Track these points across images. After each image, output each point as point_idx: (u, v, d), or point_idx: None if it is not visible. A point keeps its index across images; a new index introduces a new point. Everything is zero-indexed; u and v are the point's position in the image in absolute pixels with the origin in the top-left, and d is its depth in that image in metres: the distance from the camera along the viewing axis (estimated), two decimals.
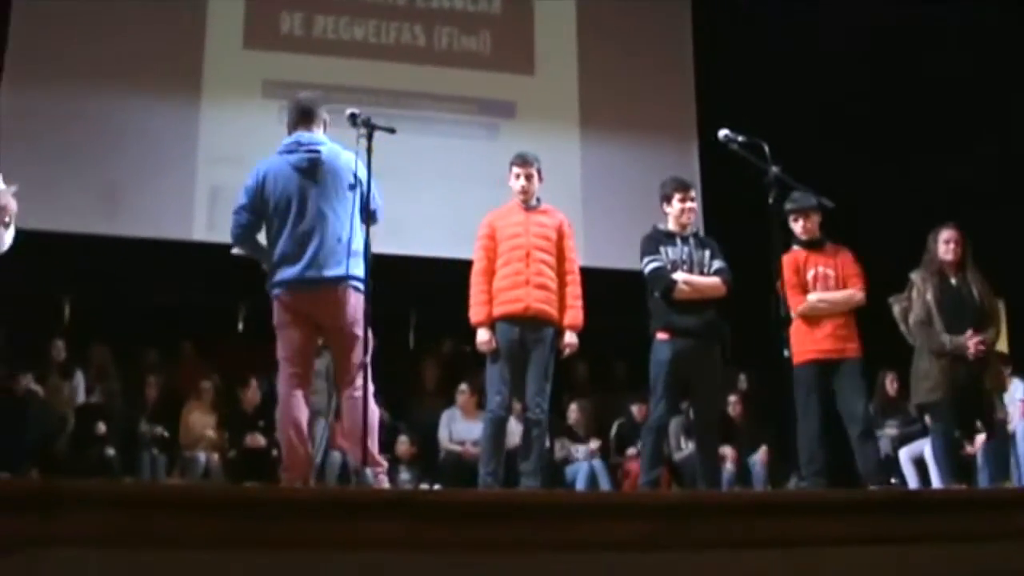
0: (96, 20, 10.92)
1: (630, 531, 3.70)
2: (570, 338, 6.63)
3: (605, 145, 12.02)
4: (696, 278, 6.70)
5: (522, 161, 6.77)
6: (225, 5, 11.48)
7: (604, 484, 9.91)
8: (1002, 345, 7.56)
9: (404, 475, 9.79)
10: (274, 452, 9.16)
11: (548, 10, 12.40)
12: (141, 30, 10.98)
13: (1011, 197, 10.91)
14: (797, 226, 7.11)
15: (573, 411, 10.56)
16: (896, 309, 7.30)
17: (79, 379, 10.27)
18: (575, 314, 6.65)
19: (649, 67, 12.41)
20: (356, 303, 5.52)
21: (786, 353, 6.17)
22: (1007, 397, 7.88)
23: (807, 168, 6.52)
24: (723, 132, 6.37)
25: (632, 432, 10.23)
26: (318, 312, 5.57)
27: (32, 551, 3.12)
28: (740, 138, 6.32)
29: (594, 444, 10.38)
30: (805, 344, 6.86)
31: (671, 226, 6.88)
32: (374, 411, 5.53)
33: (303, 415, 5.58)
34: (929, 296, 7.09)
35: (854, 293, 6.97)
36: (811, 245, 7.10)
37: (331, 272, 5.50)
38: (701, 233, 7.18)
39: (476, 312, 6.64)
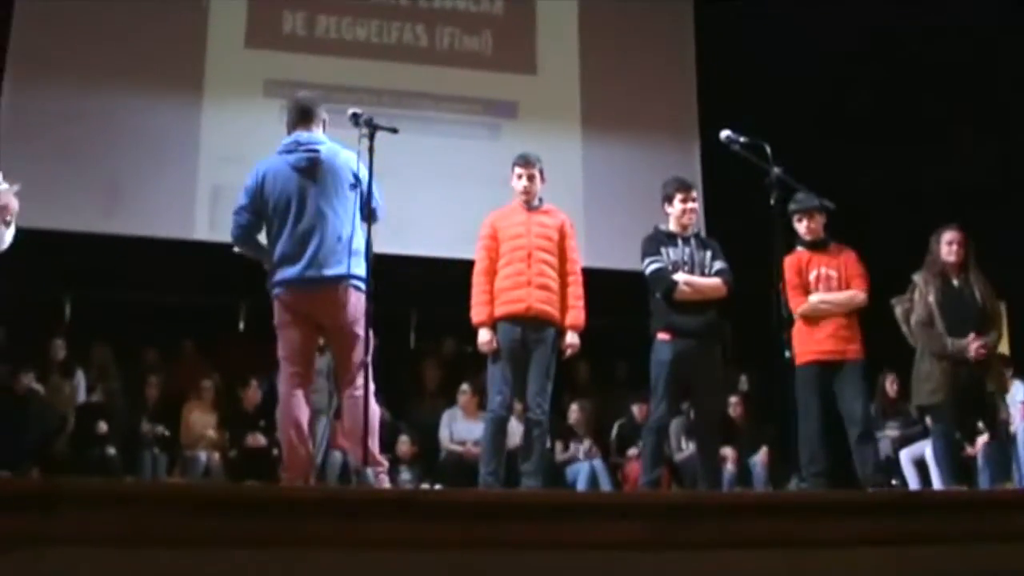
0: (98, 19, 10.92)
1: (631, 531, 3.70)
2: (571, 338, 6.62)
3: (607, 145, 12.02)
4: (697, 279, 6.70)
5: (524, 162, 6.77)
6: (227, 4, 11.47)
7: (605, 484, 9.91)
8: (1003, 347, 7.55)
9: (405, 475, 9.79)
10: (275, 451, 9.16)
11: (550, 10, 12.40)
12: (143, 29, 10.98)
13: (1012, 198, 10.91)
14: (801, 226, 7.09)
15: (574, 411, 10.55)
16: (898, 310, 7.30)
17: (80, 378, 10.28)
18: (577, 314, 6.64)
19: (651, 67, 12.41)
20: (357, 302, 5.52)
21: (787, 354, 6.18)
22: (1009, 399, 7.88)
23: (809, 169, 6.52)
24: (725, 133, 6.37)
25: (633, 432, 10.22)
26: (318, 311, 5.57)
27: (33, 549, 3.13)
28: (742, 139, 6.33)
29: (587, 444, 10.37)
30: (806, 345, 6.86)
31: (672, 227, 6.87)
32: (375, 410, 5.53)
33: (304, 415, 5.57)
34: (931, 298, 7.08)
35: (856, 294, 6.95)
36: (815, 246, 7.09)
37: (331, 271, 5.49)
38: (702, 234, 7.17)
39: (477, 312, 6.63)
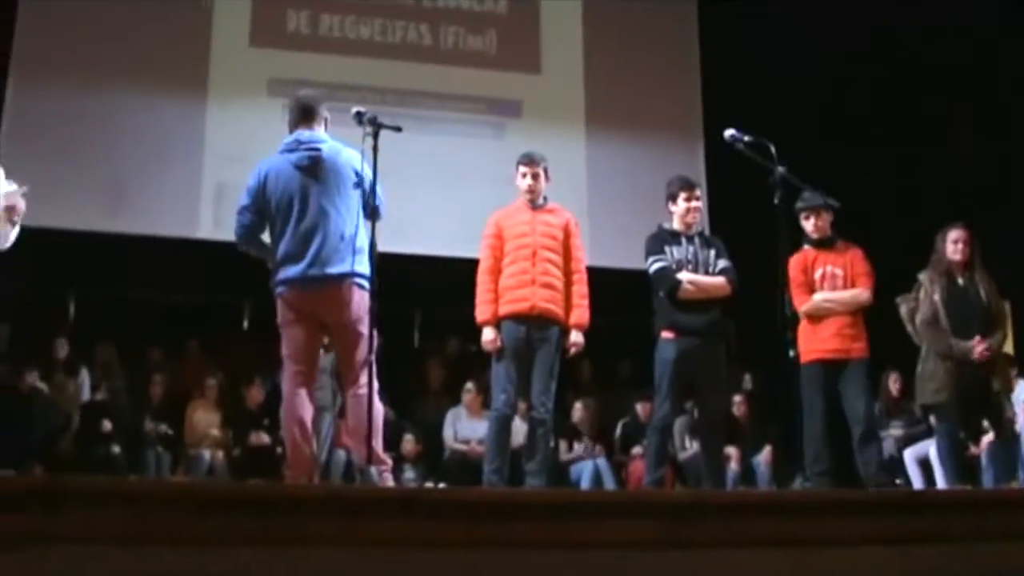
0: (102, 19, 10.93)
1: (635, 530, 3.70)
2: (576, 337, 6.62)
3: (611, 144, 12.02)
4: (701, 278, 6.69)
5: (529, 160, 6.77)
6: (231, 3, 11.48)
7: (608, 483, 9.90)
8: (1007, 347, 7.54)
9: (409, 474, 9.80)
10: (278, 450, 9.18)
11: (554, 9, 12.40)
12: (147, 28, 10.99)
13: (1013, 198, 10.91)
14: (808, 224, 7.09)
15: (578, 409, 10.55)
16: (903, 309, 7.29)
17: (84, 377, 10.29)
18: (581, 313, 6.64)
19: (655, 66, 12.41)
20: (360, 300, 5.52)
21: (791, 353, 6.17)
22: (1013, 398, 7.88)
23: (808, 169, 6.51)
24: (729, 132, 6.37)
25: (637, 431, 10.22)
26: (322, 310, 5.56)
27: (37, 548, 3.13)
28: (746, 138, 6.32)
29: (599, 445, 10.38)
30: (811, 343, 6.86)
31: (676, 225, 6.87)
32: (378, 409, 5.53)
33: (307, 413, 5.57)
34: (936, 296, 7.07)
35: (860, 292, 6.94)
36: (822, 244, 7.08)
37: (334, 269, 5.48)
38: (706, 232, 7.17)
39: (482, 311, 6.63)
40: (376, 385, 5.48)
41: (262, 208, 5.64)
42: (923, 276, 7.20)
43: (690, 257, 6.75)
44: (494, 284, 6.63)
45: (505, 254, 6.65)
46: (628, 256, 7.99)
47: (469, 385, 10.15)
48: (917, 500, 4.99)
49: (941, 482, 7.95)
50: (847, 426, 6.85)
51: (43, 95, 10.65)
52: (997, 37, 11.25)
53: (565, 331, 6.61)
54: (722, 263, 6.78)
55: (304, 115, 5.77)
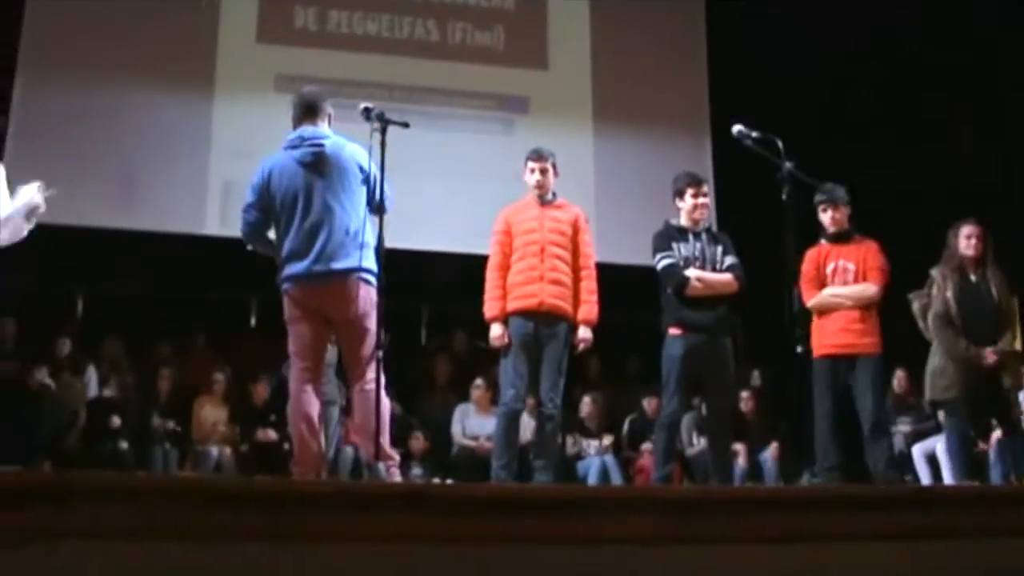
0: (108, 16, 10.93)
1: (642, 526, 3.70)
2: (584, 333, 6.62)
3: (618, 140, 12.01)
4: (709, 275, 6.69)
5: (537, 156, 6.77)
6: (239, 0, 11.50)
7: (616, 479, 9.90)
8: (1016, 344, 7.52)
9: (416, 470, 9.79)
10: (286, 446, 9.18)
11: (561, 5, 12.39)
12: (154, 25, 10.99)
13: (1015, 197, 10.89)
14: (825, 217, 7.06)
15: (586, 404, 10.55)
16: (915, 305, 7.27)
17: (91, 374, 10.29)
18: (589, 309, 6.64)
19: (662, 62, 12.40)
20: (366, 295, 5.51)
21: (799, 349, 6.17)
22: (1022, 395, 7.87)
23: (808, 169, 6.50)
24: (737, 127, 6.38)
25: (644, 427, 10.22)
26: (328, 305, 5.56)
27: (45, 543, 3.13)
28: (754, 133, 6.33)
29: (607, 440, 10.38)
30: (820, 338, 6.87)
31: (683, 222, 6.87)
32: (386, 404, 5.52)
33: (314, 410, 5.56)
34: (949, 293, 7.05)
35: (867, 287, 6.91)
36: (837, 238, 7.05)
37: (339, 265, 5.47)
38: (714, 228, 7.16)
39: (490, 307, 6.64)
40: (383, 380, 5.47)
41: (267, 205, 5.63)
42: (935, 272, 7.17)
43: (697, 253, 6.75)
44: (502, 280, 6.63)
45: (514, 250, 6.65)
46: (635, 252, 7.99)
47: (478, 381, 10.15)
48: (925, 496, 4.98)
49: (949, 478, 7.95)
50: (858, 422, 6.84)
51: (50, 93, 10.66)
52: (997, 37, 11.25)
53: (573, 327, 6.61)
54: (729, 259, 6.78)
55: (308, 111, 5.76)
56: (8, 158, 9.42)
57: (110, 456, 9.45)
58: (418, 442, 10.08)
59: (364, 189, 5.60)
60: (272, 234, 5.71)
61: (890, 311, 7.11)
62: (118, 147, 10.74)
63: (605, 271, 6.93)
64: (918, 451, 9.65)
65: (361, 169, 5.60)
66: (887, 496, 4.52)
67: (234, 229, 5.99)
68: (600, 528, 3.66)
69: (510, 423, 6.57)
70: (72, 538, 3.18)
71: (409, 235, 8.91)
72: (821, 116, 11.63)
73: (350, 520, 3.44)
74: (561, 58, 12.26)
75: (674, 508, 3.88)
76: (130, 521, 3.24)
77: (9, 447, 8.46)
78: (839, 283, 6.96)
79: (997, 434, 7.96)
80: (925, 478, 9.38)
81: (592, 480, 9.82)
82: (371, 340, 5.50)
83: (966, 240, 7.11)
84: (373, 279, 5.54)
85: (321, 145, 5.61)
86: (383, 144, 5.51)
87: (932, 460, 9.38)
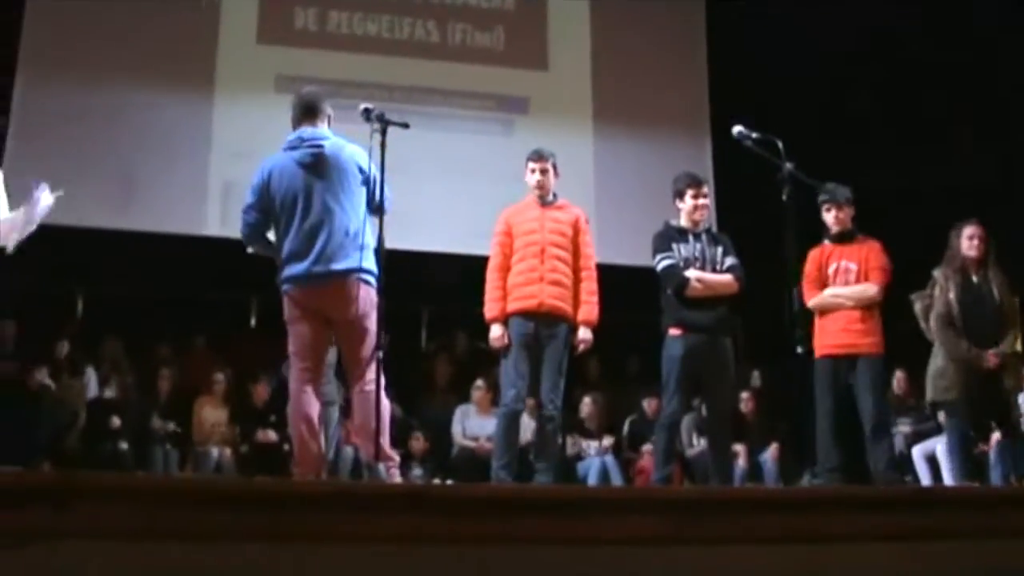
0: (109, 16, 10.93)
1: (642, 527, 3.70)
2: (584, 334, 6.62)
3: (618, 141, 12.01)
4: (709, 275, 6.69)
5: (538, 156, 6.78)
6: (239, 0, 11.49)
7: (616, 480, 9.90)
8: (1016, 344, 7.52)
9: (417, 471, 9.79)
10: (285, 447, 9.18)
11: (561, 6, 12.40)
12: (154, 25, 11.00)
13: (1015, 197, 10.89)
14: (829, 216, 7.06)
15: (586, 404, 10.55)
16: (918, 306, 7.26)
17: (90, 375, 10.28)
18: (590, 310, 6.64)
19: (662, 62, 12.41)
20: (366, 296, 5.51)
21: (799, 349, 6.17)
22: (1022, 397, 7.87)
23: (808, 169, 6.50)
24: (737, 128, 6.38)
25: (644, 428, 10.22)
26: (327, 306, 5.56)
27: (45, 544, 3.13)
28: (754, 134, 6.33)
29: (607, 441, 10.38)
30: (821, 339, 6.89)
31: (683, 222, 6.87)
32: (386, 405, 5.52)
33: (314, 410, 5.57)
34: (952, 295, 7.05)
35: (867, 287, 6.91)
36: (841, 238, 7.05)
37: (339, 265, 5.47)
38: (714, 229, 7.17)
39: (490, 308, 6.64)
40: (383, 381, 5.48)
41: (267, 206, 5.63)
42: (937, 272, 7.17)
43: (697, 254, 6.75)
44: (503, 281, 6.64)
45: (514, 251, 6.65)
46: (635, 253, 7.99)
47: (479, 382, 10.15)
48: (926, 497, 4.98)
49: (949, 479, 7.95)
50: (860, 422, 6.84)
51: (51, 93, 10.67)
52: (997, 37, 11.25)
53: (573, 328, 6.61)
54: (729, 260, 6.78)
55: (307, 112, 5.76)
56: (8, 158, 9.44)
57: (110, 457, 9.45)
58: (418, 443, 10.08)
59: (364, 190, 5.60)
60: (272, 235, 5.71)
61: (891, 311, 7.12)
62: (118, 147, 10.75)
63: (605, 272, 6.93)
64: (918, 452, 9.65)
65: (361, 170, 5.60)
66: (887, 497, 4.52)
67: (234, 230, 5.99)
68: (600, 529, 3.66)
69: (510, 423, 6.58)
70: (72, 539, 3.18)
71: (409, 236, 8.91)
72: (821, 116, 11.64)
73: (350, 521, 3.44)
74: (561, 59, 12.27)
75: (674, 509, 3.88)
76: (130, 522, 3.24)
77: (9, 448, 8.47)
78: (841, 283, 6.96)
79: (997, 435, 7.96)
80: (925, 479, 9.38)
81: (592, 481, 9.81)
82: (371, 341, 5.50)
83: (968, 241, 7.11)
84: (373, 280, 5.54)
85: (320, 146, 5.61)
86: (383, 145, 5.51)
87: (932, 461, 9.37)
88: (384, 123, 5.51)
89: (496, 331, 6.60)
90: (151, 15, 10.99)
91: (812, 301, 6.91)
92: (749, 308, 7.12)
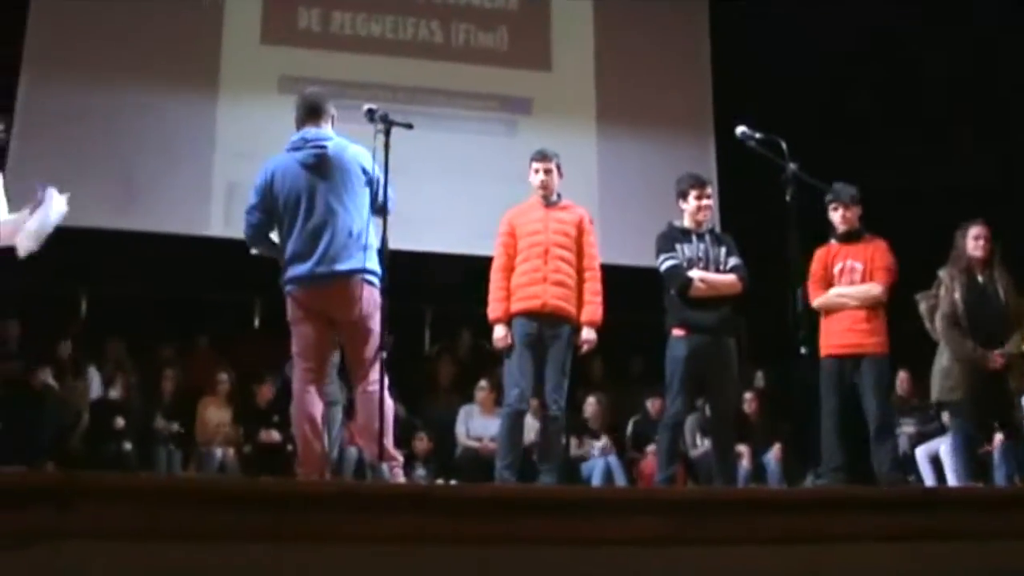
0: (112, 16, 10.94)
1: (646, 527, 3.70)
2: (588, 334, 6.62)
3: (622, 141, 12.01)
4: (712, 276, 6.69)
5: (542, 156, 6.79)
6: (242, 1, 11.50)
7: (620, 481, 9.90)
8: (1023, 345, 7.52)
9: (420, 471, 9.79)
10: (289, 447, 9.18)
11: (565, 6, 12.40)
12: (158, 26, 11.01)
13: (1015, 197, 10.88)
14: (836, 215, 7.06)
15: (590, 404, 10.54)
16: (923, 306, 7.26)
17: (92, 375, 10.28)
18: (593, 310, 6.64)
19: (666, 63, 12.40)
20: (369, 296, 5.51)
21: (803, 350, 6.17)
22: None
23: (808, 169, 6.49)
24: (740, 129, 6.38)
25: (648, 428, 10.21)
26: (331, 306, 5.55)
27: (49, 544, 3.14)
28: (757, 135, 6.33)
29: (603, 441, 10.36)
30: (825, 338, 6.89)
31: (687, 223, 6.87)
32: (389, 405, 5.52)
33: (318, 411, 5.57)
34: (957, 295, 7.04)
35: (872, 287, 6.91)
36: (847, 237, 7.05)
37: (343, 266, 5.47)
38: (717, 229, 7.16)
39: (494, 309, 6.65)
40: (387, 381, 5.47)
41: (270, 207, 5.63)
42: (943, 272, 7.17)
43: (701, 255, 6.75)
44: (506, 282, 6.64)
45: (518, 252, 6.66)
46: (639, 253, 7.98)
47: (483, 383, 10.14)
48: (929, 498, 4.98)
49: (952, 479, 7.94)
50: (864, 422, 6.84)
51: (54, 93, 10.67)
52: (997, 37, 11.24)
53: (577, 328, 6.61)
54: (733, 260, 6.78)
55: (311, 113, 5.76)
56: (11, 158, 9.44)
57: (114, 457, 9.45)
58: (422, 443, 10.07)
59: (367, 191, 5.60)
60: (275, 236, 5.71)
61: (894, 311, 7.11)
62: (122, 147, 10.75)
63: (609, 272, 6.93)
64: (922, 452, 9.63)
65: (364, 171, 5.60)
66: (891, 497, 4.52)
67: (238, 230, 5.99)
68: (604, 529, 3.66)
69: (514, 423, 6.58)
70: (76, 539, 3.18)
71: (412, 237, 8.92)
72: (822, 116, 11.63)
73: (354, 521, 3.44)
74: (564, 59, 12.27)
75: (678, 509, 3.88)
76: (134, 522, 3.24)
77: (13, 448, 8.48)
78: (846, 283, 6.96)
79: (1000, 436, 7.95)
80: (929, 480, 9.37)
81: (596, 481, 9.81)
82: (374, 341, 5.51)
83: (974, 241, 7.11)
84: (376, 280, 5.54)
85: (324, 147, 5.61)
86: (387, 146, 5.51)
87: (936, 462, 9.36)
88: (388, 124, 5.51)
89: (499, 331, 6.60)
90: (154, 15, 11.00)
91: (817, 301, 6.91)
92: (753, 309, 7.13)
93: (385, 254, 5.56)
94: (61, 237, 5.80)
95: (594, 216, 7.19)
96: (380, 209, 5.60)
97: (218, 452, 9.81)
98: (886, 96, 11.92)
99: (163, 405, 10.15)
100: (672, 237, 6.81)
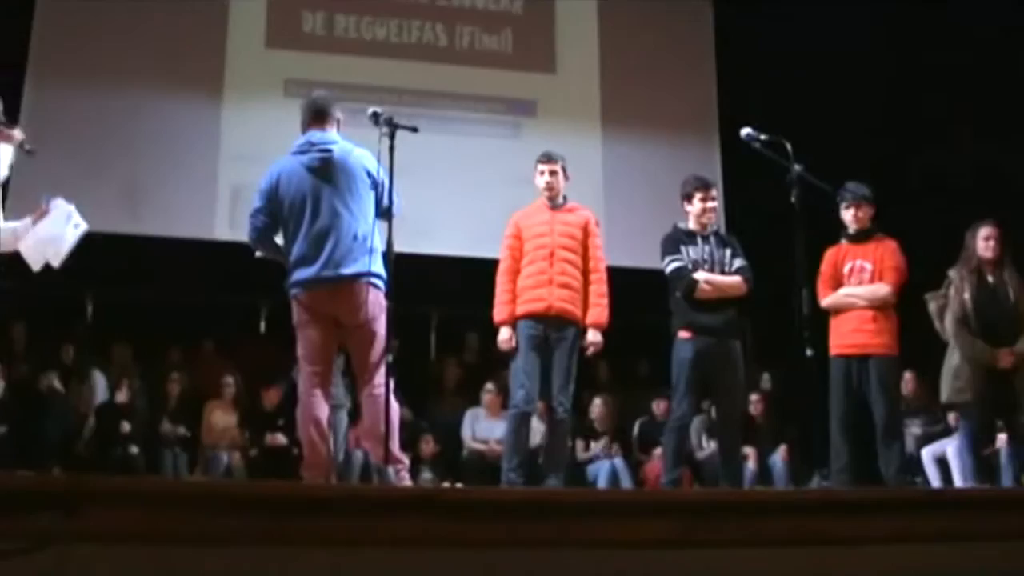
0: (118, 20, 10.96)
1: (652, 530, 3.70)
2: (593, 336, 6.61)
3: (627, 143, 12.01)
4: (717, 277, 6.68)
5: (547, 158, 6.78)
6: (247, 4, 11.51)
7: (626, 483, 9.89)
8: None
9: (426, 474, 9.78)
10: (295, 451, 9.18)
11: (569, 8, 12.41)
12: (163, 29, 11.03)
13: (1013, 198, 10.87)
14: (848, 214, 7.04)
15: (597, 405, 10.52)
16: (932, 306, 7.23)
17: (98, 379, 10.29)
18: (599, 312, 6.63)
19: (671, 65, 12.40)
20: (375, 300, 5.51)
21: (809, 352, 6.15)
22: None
23: (821, 163, 6.48)
24: (745, 130, 6.38)
25: (654, 431, 10.20)
26: (336, 310, 5.56)
27: (56, 548, 3.14)
28: (762, 136, 6.33)
29: (603, 441, 10.35)
30: (835, 338, 6.88)
31: (692, 225, 6.86)
32: (395, 408, 5.52)
33: (323, 414, 5.57)
34: (967, 295, 7.02)
35: (879, 287, 6.88)
36: (857, 237, 7.03)
37: (348, 270, 5.48)
38: (722, 231, 7.16)
39: (499, 311, 6.64)
40: (392, 384, 5.48)
41: (275, 210, 5.64)
42: (953, 273, 7.15)
43: (706, 257, 6.74)
44: (512, 284, 6.64)
45: (524, 254, 6.65)
46: (644, 255, 7.99)
47: (489, 385, 10.14)
48: (936, 499, 4.97)
49: (959, 480, 7.93)
50: (871, 422, 6.83)
51: (59, 97, 10.68)
52: (997, 37, 11.22)
53: (583, 330, 6.60)
54: (738, 262, 6.77)
55: (316, 116, 5.77)
56: (17, 163, 9.44)
57: (120, 461, 9.47)
58: (428, 446, 10.07)
59: (372, 194, 5.61)
60: (280, 239, 5.71)
61: (900, 312, 7.10)
62: (127, 151, 10.75)
63: (614, 274, 6.92)
64: (928, 454, 9.63)
65: (369, 174, 5.61)
66: (898, 499, 4.51)
67: (243, 234, 5.98)
68: (610, 532, 3.66)
69: (520, 424, 6.56)
70: (82, 543, 3.18)
71: (417, 240, 8.93)
72: (827, 118, 11.62)
73: (360, 524, 3.44)
74: (569, 61, 12.27)
75: (684, 511, 3.87)
76: (140, 526, 3.25)
77: (19, 452, 8.49)
78: (855, 283, 6.94)
79: (1004, 436, 7.94)
80: (935, 481, 9.36)
81: (601, 484, 9.81)
82: (380, 344, 5.51)
83: (984, 241, 7.08)
84: (382, 284, 5.54)
85: (329, 150, 5.61)
86: (392, 149, 5.51)
87: (942, 463, 9.36)
88: (393, 127, 5.52)
89: (504, 334, 6.59)
90: (160, 20, 11.02)
91: (825, 300, 6.90)
92: (759, 310, 7.11)
93: (390, 257, 5.56)
94: None
95: (599, 218, 7.19)
96: (385, 212, 5.61)
97: (224, 456, 9.82)
98: (891, 97, 11.91)
99: (169, 409, 10.16)
100: (677, 239, 6.80)
